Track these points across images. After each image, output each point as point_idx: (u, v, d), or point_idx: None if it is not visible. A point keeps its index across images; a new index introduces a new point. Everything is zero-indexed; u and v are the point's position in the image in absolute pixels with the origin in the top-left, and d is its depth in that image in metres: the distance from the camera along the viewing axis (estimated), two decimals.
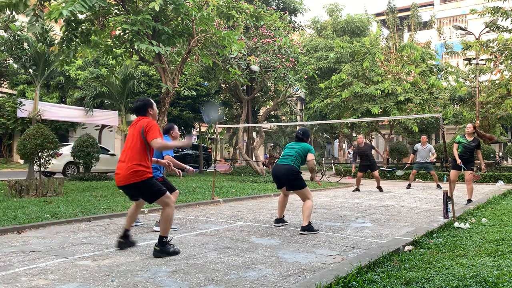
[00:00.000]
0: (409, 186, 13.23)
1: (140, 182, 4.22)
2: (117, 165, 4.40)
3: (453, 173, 8.45)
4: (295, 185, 5.78)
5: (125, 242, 4.64)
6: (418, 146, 12.79)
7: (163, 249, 4.30)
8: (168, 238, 4.39)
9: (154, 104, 4.55)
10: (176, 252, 4.37)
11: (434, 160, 12.70)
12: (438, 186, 12.65)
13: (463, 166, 8.37)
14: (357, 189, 12.03)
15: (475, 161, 8.47)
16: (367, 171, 12.99)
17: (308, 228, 5.56)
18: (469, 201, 8.58)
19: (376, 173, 12.13)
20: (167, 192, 4.36)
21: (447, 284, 3.25)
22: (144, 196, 4.43)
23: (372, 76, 19.79)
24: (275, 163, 6.34)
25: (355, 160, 12.64)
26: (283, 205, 6.21)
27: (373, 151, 12.45)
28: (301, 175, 5.87)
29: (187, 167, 5.91)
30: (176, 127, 6.01)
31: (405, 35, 33.10)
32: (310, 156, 5.86)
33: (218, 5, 9.83)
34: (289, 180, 5.78)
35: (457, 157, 8.43)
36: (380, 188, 12.03)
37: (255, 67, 9.23)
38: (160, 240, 4.32)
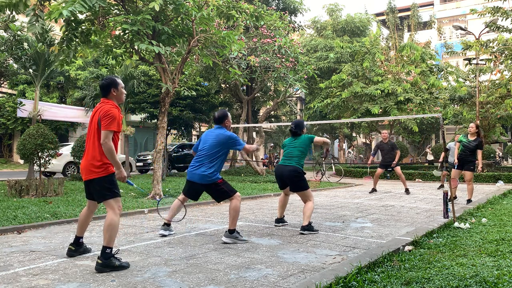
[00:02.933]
0: (441, 186, 12.57)
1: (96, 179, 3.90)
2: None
3: (454, 172, 8.50)
4: (299, 186, 5.77)
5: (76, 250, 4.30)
6: (451, 145, 11.90)
7: (107, 262, 3.75)
8: (114, 250, 3.86)
9: (121, 84, 4.11)
10: (123, 267, 3.81)
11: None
12: (442, 186, 12.44)
13: (456, 166, 8.42)
14: (374, 190, 11.40)
15: (475, 161, 8.45)
16: (386, 170, 12.16)
17: (308, 228, 5.56)
18: (469, 201, 8.58)
19: (398, 169, 11.37)
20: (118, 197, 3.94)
21: (447, 284, 3.25)
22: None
23: (372, 76, 19.79)
24: (277, 163, 6.29)
25: (375, 154, 12.05)
26: (283, 205, 6.21)
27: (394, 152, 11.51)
28: (305, 175, 5.87)
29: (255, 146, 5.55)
30: (229, 115, 5.38)
31: (405, 35, 33.09)
32: (317, 138, 5.78)
33: (218, 5, 9.82)
34: (293, 181, 5.78)
35: (455, 157, 8.48)
36: (407, 191, 11.21)
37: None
38: (103, 252, 3.77)
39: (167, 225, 5.39)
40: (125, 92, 4.20)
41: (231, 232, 5.02)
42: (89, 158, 3.93)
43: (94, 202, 4.23)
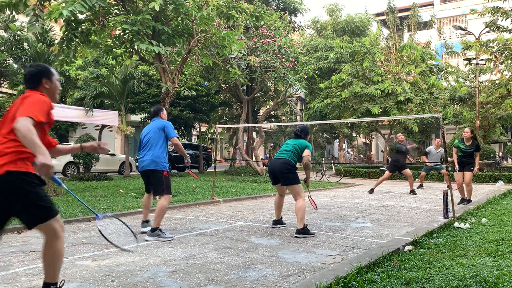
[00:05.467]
0: (420, 186, 12.98)
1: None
2: None
3: (457, 175, 8.57)
4: (289, 179, 5.65)
5: None
6: (431, 148, 12.29)
7: None
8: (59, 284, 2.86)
9: (55, 75, 2.92)
10: None
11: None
12: (449, 187, 12.48)
13: (457, 170, 8.57)
14: (373, 190, 11.49)
15: (474, 162, 8.54)
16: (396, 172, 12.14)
17: (304, 231, 5.39)
18: (469, 201, 8.60)
19: (408, 171, 11.37)
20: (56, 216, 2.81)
21: (447, 284, 3.25)
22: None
23: (372, 76, 19.79)
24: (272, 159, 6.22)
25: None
26: (279, 206, 6.12)
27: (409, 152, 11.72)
28: (297, 170, 5.79)
29: (188, 159, 5.60)
30: (164, 110, 5.78)
31: (405, 35, 33.07)
32: (306, 152, 5.75)
33: (218, 5, 9.83)
34: (283, 173, 5.67)
35: (456, 163, 8.58)
36: (413, 192, 11.20)
37: None
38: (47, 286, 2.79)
39: (145, 222, 5.68)
40: (60, 88, 3.06)
41: (153, 230, 5.14)
42: None
43: None
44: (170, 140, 5.37)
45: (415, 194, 11.14)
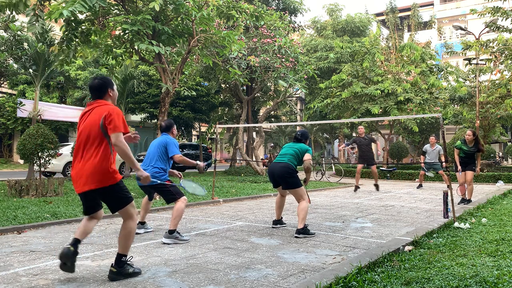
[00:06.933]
0: (420, 186, 13.14)
1: (107, 187, 3.47)
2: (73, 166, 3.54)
3: (460, 176, 8.60)
4: (290, 183, 5.62)
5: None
6: (427, 147, 12.38)
7: (121, 270, 3.56)
8: (128, 257, 3.65)
9: (115, 86, 3.78)
10: (136, 273, 3.64)
11: (443, 161, 12.49)
12: (449, 187, 12.54)
13: (460, 172, 8.61)
14: (358, 187, 11.82)
15: (476, 162, 8.59)
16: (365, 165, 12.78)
17: (304, 231, 5.37)
18: (469, 201, 8.60)
19: (374, 168, 11.90)
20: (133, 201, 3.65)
21: (447, 284, 3.25)
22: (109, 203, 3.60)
23: (372, 76, 19.79)
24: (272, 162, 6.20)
25: (348, 145, 12.77)
26: (280, 206, 6.10)
27: (374, 146, 12.38)
28: (297, 174, 5.74)
29: (198, 162, 5.64)
30: (175, 126, 5.70)
31: (405, 35, 33.09)
32: (307, 156, 5.72)
33: (218, 5, 9.84)
34: (284, 178, 5.64)
35: (458, 163, 8.60)
36: (377, 186, 11.93)
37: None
38: (119, 260, 3.57)
39: (141, 224, 5.67)
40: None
41: (171, 232, 5.02)
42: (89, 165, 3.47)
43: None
44: (172, 158, 5.26)
45: (378, 190, 11.83)
